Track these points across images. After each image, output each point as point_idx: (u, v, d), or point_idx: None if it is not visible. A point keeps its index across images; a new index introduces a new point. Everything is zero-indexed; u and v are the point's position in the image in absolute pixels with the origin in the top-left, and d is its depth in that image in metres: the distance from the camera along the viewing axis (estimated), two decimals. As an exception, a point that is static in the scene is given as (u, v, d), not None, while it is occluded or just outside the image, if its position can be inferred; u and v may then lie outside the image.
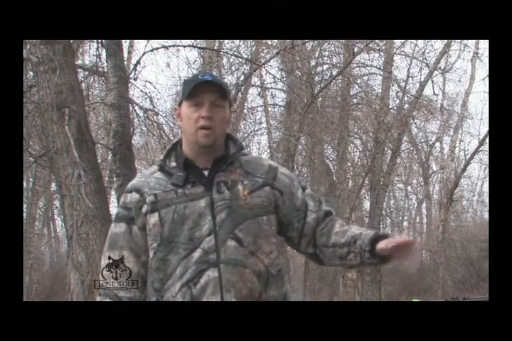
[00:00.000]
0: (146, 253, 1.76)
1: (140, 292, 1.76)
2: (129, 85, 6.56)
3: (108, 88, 6.47)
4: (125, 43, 8.25)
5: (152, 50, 7.50)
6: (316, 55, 11.56)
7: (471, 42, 12.47)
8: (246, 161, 1.82)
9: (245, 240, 1.71)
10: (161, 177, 1.78)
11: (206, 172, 1.77)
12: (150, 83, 8.58)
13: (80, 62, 8.07)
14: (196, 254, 1.68)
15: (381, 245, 1.65)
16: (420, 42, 11.54)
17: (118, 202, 5.73)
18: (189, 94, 1.74)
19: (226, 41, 10.14)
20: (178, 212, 1.71)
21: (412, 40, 11.36)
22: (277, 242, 1.79)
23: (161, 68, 19.19)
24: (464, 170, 13.87)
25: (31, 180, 12.14)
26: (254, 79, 11.97)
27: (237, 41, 9.89)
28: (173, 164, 1.80)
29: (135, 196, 1.79)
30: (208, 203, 1.72)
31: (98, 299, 1.78)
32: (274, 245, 1.77)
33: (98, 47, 6.30)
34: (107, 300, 1.75)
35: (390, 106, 12.06)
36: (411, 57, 11.92)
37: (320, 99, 11.56)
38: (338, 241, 1.77)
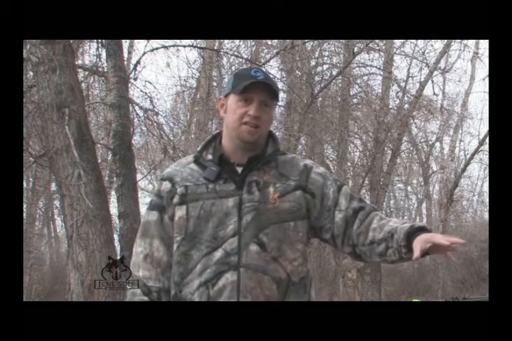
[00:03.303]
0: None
1: (168, 282, 1.74)
2: (129, 85, 6.56)
3: (108, 88, 6.48)
4: (125, 43, 8.27)
5: (152, 50, 7.50)
6: (316, 55, 11.56)
7: (471, 42, 12.48)
8: (283, 162, 1.80)
9: (269, 245, 1.69)
10: (195, 169, 1.77)
11: (240, 169, 1.75)
12: (150, 83, 8.56)
13: (80, 62, 8.07)
14: (218, 254, 1.67)
15: (415, 249, 1.59)
16: (420, 42, 11.55)
17: (118, 202, 5.73)
18: (244, 88, 1.71)
19: (226, 41, 10.15)
20: (204, 208, 1.70)
21: (412, 40, 11.36)
22: (303, 249, 1.75)
23: (161, 68, 19.21)
24: (463, 170, 13.87)
25: (31, 180, 12.15)
26: (254, 79, 11.93)
27: (237, 41, 9.90)
28: (210, 157, 1.78)
29: (167, 185, 1.78)
30: (236, 203, 1.70)
31: (135, 298, 1.75)
32: (299, 252, 1.74)
33: (98, 47, 6.30)
34: (137, 289, 1.74)
35: (390, 106, 12.06)
36: (411, 57, 11.92)
37: (320, 99, 11.56)
38: (376, 238, 1.72)
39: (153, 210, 1.80)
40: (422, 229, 1.66)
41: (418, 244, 1.60)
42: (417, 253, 1.58)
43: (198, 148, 1.82)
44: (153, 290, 1.74)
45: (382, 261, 1.77)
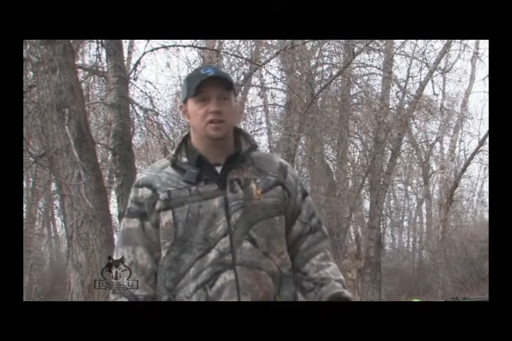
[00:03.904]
0: (159, 249, 1.74)
1: (154, 289, 1.75)
2: (129, 85, 6.56)
3: (108, 88, 6.48)
4: (125, 43, 8.26)
5: (152, 50, 7.50)
6: (316, 55, 11.55)
7: (471, 42, 12.48)
8: (257, 158, 1.81)
9: (259, 241, 1.70)
10: (173, 173, 1.76)
11: (218, 169, 1.75)
12: (150, 83, 8.56)
13: (79, 62, 8.07)
14: (211, 255, 1.68)
15: None
16: (420, 42, 11.55)
17: (118, 202, 5.73)
18: (196, 89, 1.72)
19: (226, 41, 10.13)
20: (192, 212, 1.70)
21: (412, 40, 11.36)
22: (286, 242, 1.78)
23: (161, 68, 19.15)
24: (463, 170, 13.87)
25: (31, 180, 12.14)
26: (254, 79, 11.97)
27: (237, 41, 9.89)
28: (185, 159, 1.77)
29: (147, 192, 1.76)
30: (222, 202, 1.71)
31: (112, 297, 1.75)
32: (285, 245, 1.77)
33: (98, 47, 6.30)
34: (123, 298, 1.73)
35: (390, 106, 12.06)
36: (411, 57, 11.91)
37: (320, 99, 11.55)
38: (309, 274, 1.77)
39: (134, 218, 1.78)
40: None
41: None
42: None
43: (172, 152, 1.81)
44: (140, 299, 1.73)
45: (300, 293, 1.80)
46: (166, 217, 1.72)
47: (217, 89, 1.73)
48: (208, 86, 1.72)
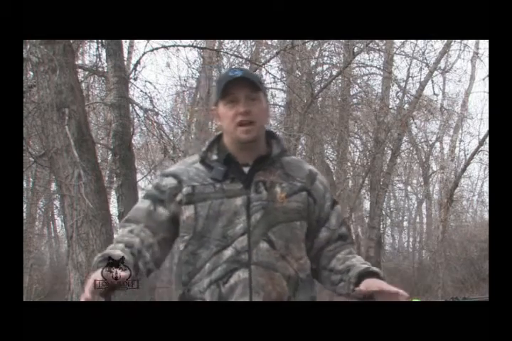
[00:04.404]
0: (164, 232, 1.76)
1: (144, 261, 1.71)
2: (129, 85, 6.56)
3: (108, 88, 6.48)
4: (125, 43, 8.26)
5: (152, 50, 7.51)
6: (316, 55, 11.56)
7: (471, 42, 12.49)
8: (287, 163, 1.81)
9: (277, 243, 1.70)
10: (201, 169, 1.77)
11: (246, 169, 1.76)
12: (150, 83, 8.58)
13: (79, 62, 8.07)
14: (228, 252, 1.68)
15: (361, 287, 1.64)
16: (420, 42, 11.56)
17: (118, 202, 5.73)
18: (223, 92, 1.73)
19: (226, 41, 10.14)
20: (213, 208, 1.71)
21: (412, 40, 11.37)
22: (307, 248, 1.78)
23: (161, 68, 19.20)
24: (463, 170, 13.87)
25: (31, 180, 12.13)
26: (254, 79, 11.94)
27: (237, 41, 9.90)
28: (215, 157, 1.78)
29: (172, 181, 1.78)
30: (244, 202, 1.71)
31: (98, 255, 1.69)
32: (304, 251, 1.76)
33: (98, 47, 6.31)
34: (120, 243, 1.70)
35: (390, 106, 12.07)
36: (411, 57, 11.93)
37: (320, 99, 11.56)
38: (336, 267, 1.76)
39: (146, 199, 1.80)
40: (374, 274, 1.69)
41: (366, 284, 1.64)
42: (361, 289, 1.63)
43: (203, 149, 1.82)
44: (136, 248, 1.70)
45: (331, 290, 1.80)
46: (188, 212, 1.73)
47: (245, 90, 1.73)
48: (235, 87, 1.72)
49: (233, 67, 10.44)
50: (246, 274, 1.67)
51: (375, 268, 1.72)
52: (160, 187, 1.79)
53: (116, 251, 1.68)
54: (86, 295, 1.55)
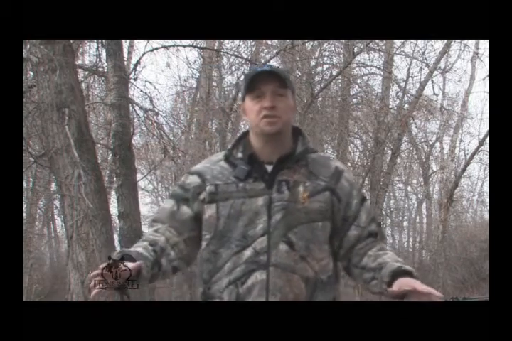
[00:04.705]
0: (189, 232, 1.77)
1: (165, 261, 1.73)
2: (129, 85, 6.57)
3: (108, 88, 6.49)
4: (125, 43, 8.27)
5: (152, 50, 7.52)
6: (316, 55, 11.56)
7: (471, 42, 12.49)
8: (313, 160, 1.78)
9: (297, 244, 1.69)
10: (226, 167, 1.77)
11: (269, 168, 1.74)
12: (150, 83, 8.60)
13: (79, 62, 8.07)
14: (247, 253, 1.68)
15: (394, 287, 1.61)
16: (420, 42, 11.56)
17: (118, 202, 5.74)
18: (249, 87, 1.72)
19: (226, 41, 10.15)
20: (234, 208, 1.71)
21: (412, 40, 11.37)
22: (329, 249, 1.75)
23: (161, 68, 19.23)
24: (463, 170, 13.88)
25: (31, 180, 12.14)
26: (255, 79, 11.93)
27: (237, 41, 9.90)
28: (240, 155, 1.78)
29: (196, 180, 1.78)
30: (265, 202, 1.70)
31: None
32: (326, 252, 1.74)
33: (98, 47, 6.31)
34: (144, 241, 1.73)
35: (390, 106, 12.07)
36: (411, 57, 11.93)
37: (320, 99, 11.56)
38: (368, 265, 1.73)
39: (171, 199, 1.82)
40: (407, 273, 1.66)
41: (398, 284, 1.61)
42: (394, 290, 1.60)
43: (229, 146, 1.82)
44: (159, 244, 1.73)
45: (364, 288, 1.80)
46: (210, 210, 1.73)
47: (272, 85, 1.72)
48: (262, 82, 1.71)
49: (233, 67, 10.45)
50: (264, 276, 1.66)
51: (408, 267, 1.69)
52: (184, 185, 1.80)
53: (137, 248, 1.71)
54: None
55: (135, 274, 1.62)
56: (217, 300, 1.70)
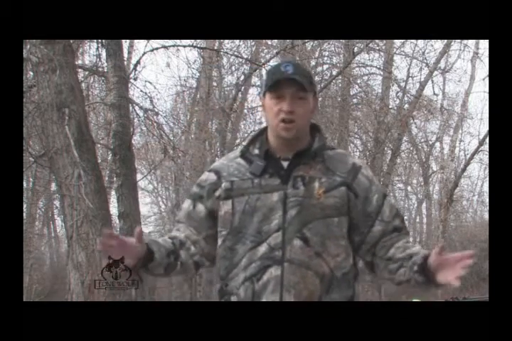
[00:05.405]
0: (207, 230, 1.78)
1: (185, 254, 1.76)
2: (129, 85, 6.56)
3: (108, 88, 6.48)
4: (125, 43, 8.26)
5: (152, 50, 7.52)
6: (316, 55, 11.56)
7: (471, 42, 12.49)
8: (330, 156, 1.78)
9: (312, 240, 1.68)
10: (242, 164, 1.77)
11: (285, 164, 1.74)
12: (150, 83, 8.55)
13: (79, 62, 8.07)
14: (262, 249, 1.68)
15: (433, 255, 1.61)
16: (420, 42, 11.57)
17: (118, 202, 5.73)
18: (270, 86, 1.72)
19: (226, 41, 10.15)
20: (249, 203, 1.71)
21: (412, 40, 11.37)
22: (346, 245, 1.74)
23: (161, 68, 19.21)
24: (463, 170, 13.88)
25: (31, 180, 12.14)
26: (254, 79, 11.99)
27: (237, 41, 9.90)
28: (256, 151, 1.78)
29: (212, 177, 1.79)
30: (280, 197, 1.70)
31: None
32: (343, 247, 1.73)
33: (98, 47, 6.31)
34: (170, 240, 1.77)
35: (390, 106, 12.08)
36: (411, 57, 11.93)
37: (320, 99, 11.56)
38: (395, 256, 1.73)
39: (188, 198, 1.84)
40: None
41: (432, 262, 1.62)
42: (433, 257, 1.61)
43: (245, 143, 1.82)
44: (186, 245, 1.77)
45: (389, 279, 1.77)
46: (226, 207, 1.74)
47: (293, 88, 1.71)
48: (284, 84, 1.71)
49: (233, 67, 10.45)
50: (278, 271, 1.66)
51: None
52: (201, 182, 1.81)
53: (156, 239, 1.75)
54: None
55: (146, 256, 1.65)
56: (234, 297, 1.70)
